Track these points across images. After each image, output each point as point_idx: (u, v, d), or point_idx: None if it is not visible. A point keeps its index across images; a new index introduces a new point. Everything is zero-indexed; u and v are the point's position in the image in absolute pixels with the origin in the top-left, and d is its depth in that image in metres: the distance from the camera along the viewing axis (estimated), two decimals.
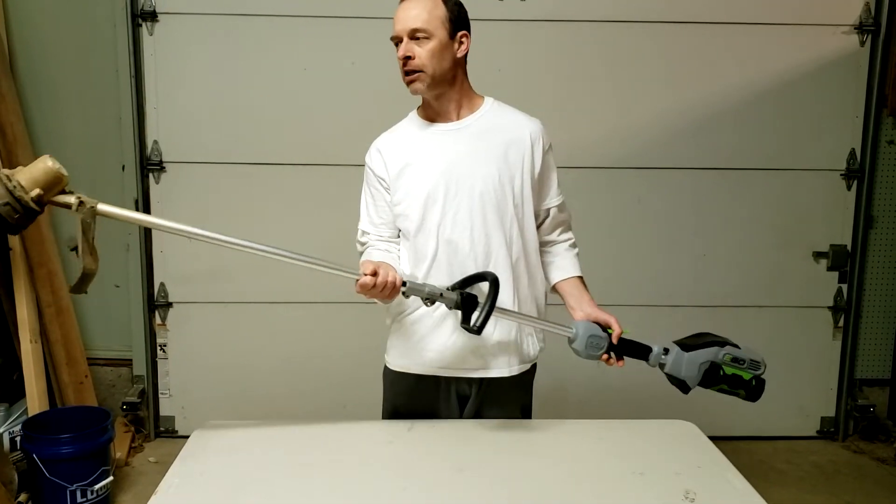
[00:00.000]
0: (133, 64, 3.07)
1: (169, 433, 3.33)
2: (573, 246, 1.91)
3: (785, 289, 3.33)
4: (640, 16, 3.11)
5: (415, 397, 1.84)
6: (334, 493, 1.48)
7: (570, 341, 1.72)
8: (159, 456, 3.14)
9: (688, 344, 1.72)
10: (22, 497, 2.62)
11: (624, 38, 3.13)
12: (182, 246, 3.15)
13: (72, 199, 1.42)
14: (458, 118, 1.78)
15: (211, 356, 3.28)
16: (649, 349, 1.73)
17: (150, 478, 2.94)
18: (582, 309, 1.78)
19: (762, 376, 1.72)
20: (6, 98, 2.92)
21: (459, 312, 1.64)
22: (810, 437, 3.44)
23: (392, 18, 1.71)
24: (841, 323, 3.37)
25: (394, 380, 1.87)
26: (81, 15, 3.11)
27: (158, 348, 3.29)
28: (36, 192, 1.38)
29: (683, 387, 1.71)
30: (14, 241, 2.87)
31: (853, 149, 3.24)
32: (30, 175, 1.38)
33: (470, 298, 1.63)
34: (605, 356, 1.71)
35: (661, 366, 1.72)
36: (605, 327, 1.72)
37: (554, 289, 1.88)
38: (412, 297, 1.67)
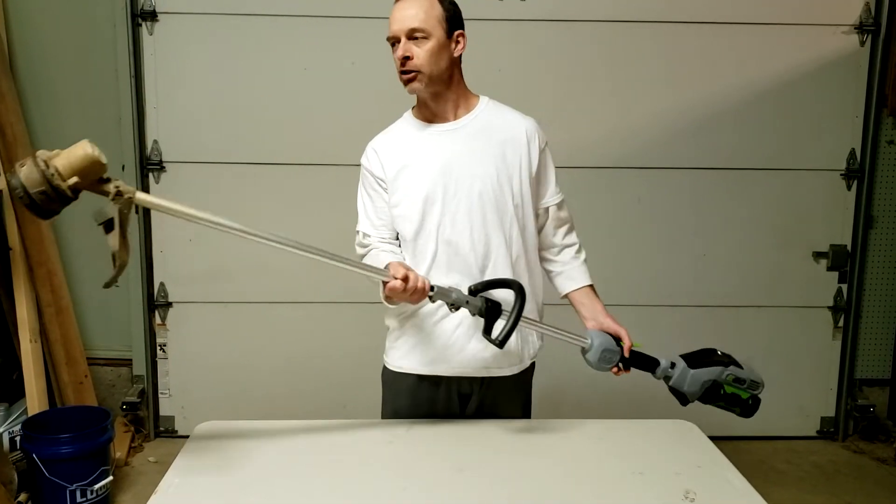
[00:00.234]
0: (133, 64, 3.07)
1: (168, 433, 3.33)
2: (579, 251, 1.89)
3: (785, 289, 3.33)
4: (640, 16, 3.11)
5: (415, 398, 1.83)
6: (334, 493, 1.48)
7: (584, 351, 1.73)
8: (159, 456, 3.14)
9: (694, 359, 1.76)
10: (22, 497, 2.62)
11: (624, 38, 3.13)
12: (182, 246, 3.15)
13: (110, 188, 1.37)
14: (455, 118, 1.77)
15: (211, 356, 3.28)
16: (657, 363, 1.76)
17: (149, 478, 2.94)
18: (595, 319, 1.79)
19: (759, 395, 1.77)
20: (6, 98, 2.92)
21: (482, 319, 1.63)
22: (810, 437, 3.44)
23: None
24: (841, 323, 3.37)
25: (394, 381, 1.86)
26: (81, 15, 3.11)
27: (158, 348, 3.29)
28: (73, 180, 1.31)
29: (683, 399, 1.76)
30: (14, 240, 2.87)
31: (853, 149, 3.24)
32: (68, 161, 1.32)
33: (495, 307, 1.62)
34: (614, 369, 1.74)
35: (667, 378, 1.76)
36: (616, 338, 1.74)
37: (565, 296, 1.87)
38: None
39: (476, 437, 1.74)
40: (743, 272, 3.31)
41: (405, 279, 1.56)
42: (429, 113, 1.78)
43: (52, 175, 1.29)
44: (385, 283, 1.58)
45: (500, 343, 1.58)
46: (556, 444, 1.72)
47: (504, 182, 1.74)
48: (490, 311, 1.62)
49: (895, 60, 3.16)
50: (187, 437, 1.72)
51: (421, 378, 1.82)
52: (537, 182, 1.80)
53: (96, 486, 2.58)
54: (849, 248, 3.31)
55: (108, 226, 1.37)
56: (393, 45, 1.70)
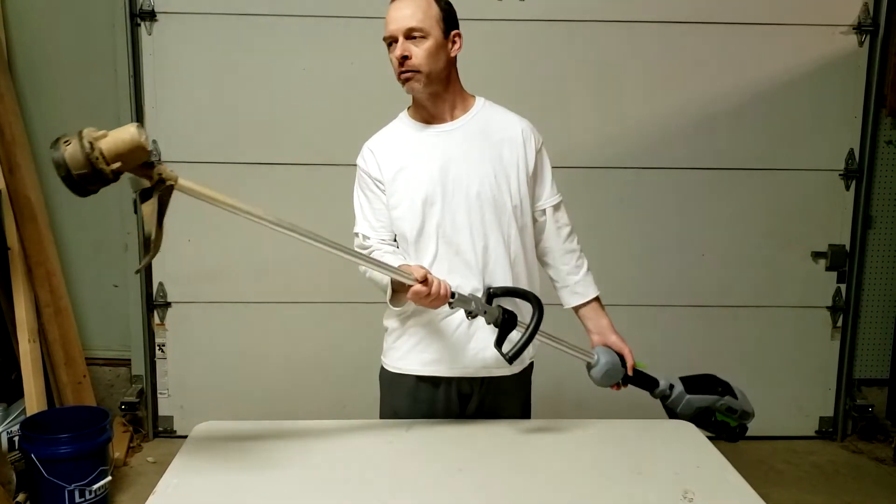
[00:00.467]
0: (132, 64, 3.07)
1: (167, 433, 3.33)
2: (581, 258, 1.86)
3: (783, 289, 3.33)
4: (638, 16, 3.11)
5: (415, 398, 1.83)
6: (334, 494, 1.48)
7: (589, 367, 1.77)
8: (158, 456, 3.14)
9: (692, 383, 1.81)
10: (20, 497, 2.62)
11: (623, 38, 3.13)
12: (181, 246, 3.14)
13: (153, 174, 1.35)
14: (452, 118, 1.77)
15: (210, 356, 3.28)
16: (657, 383, 1.80)
17: (148, 478, 2.93)
18: (601, 334, 1.81)
19: (747, 424, 1.83)
20: (5, 97, 2.92)
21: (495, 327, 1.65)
22: (809, 437, 3.44)
23: None
24: (839, 323, 3.37)
25: (392, 382, 1.85)
26: (80, 14, 3.11)
27: (157, 348, 3.29)
28: (117, 164, 1.28)
29: (673, 416, 1.82)
30: (13, 240, 2.87)
31: (852, 149, 3.25)
32: (113, 145, 1.28)
33: (511, 319, 1.64)
34: (615, 385, 1.79)
35: (664, 398, 1.81)
36: (620, 356, 1.78)
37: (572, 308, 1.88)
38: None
39: (476, 437, 1.73)
40: (742, 272, 3.31)
41: (426, 282, 1.56)
42: (426, 113, 1.77)
43: (97, 159, 1.26)
44: (405, 286, 1.59)
45: (511, 359, 1.62)
46: (555, 444, 1.72)
47: (502, 182, 1.74)
48: (506, 323, 1.64)
49: (894, 61, 3.16)
50: (186, 437, 1.71)
51: (420, 379, 1.81)
52: (534, 182, 1.80)
53: (95, 487, 2.58)
54: (847, 248, 3.32)
55: (144, 195, 1.35)
56: (389, 45, 1.70)
